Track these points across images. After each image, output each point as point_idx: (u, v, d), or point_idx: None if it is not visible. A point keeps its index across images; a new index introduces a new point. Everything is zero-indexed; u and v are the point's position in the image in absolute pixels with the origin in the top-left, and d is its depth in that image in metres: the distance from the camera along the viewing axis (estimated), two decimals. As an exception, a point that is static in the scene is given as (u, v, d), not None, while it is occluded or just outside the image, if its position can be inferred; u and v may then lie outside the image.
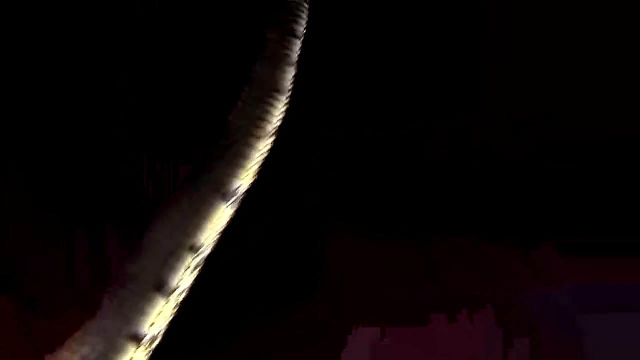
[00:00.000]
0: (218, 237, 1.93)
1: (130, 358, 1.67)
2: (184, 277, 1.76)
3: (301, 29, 2.18)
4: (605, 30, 2.60)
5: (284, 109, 2.05)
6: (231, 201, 1.86)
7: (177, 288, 1.75)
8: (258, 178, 2.03)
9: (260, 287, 2.40)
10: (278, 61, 2.10)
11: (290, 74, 2.10)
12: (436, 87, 2.65)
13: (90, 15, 2.49)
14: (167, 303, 1.71)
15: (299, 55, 2.18)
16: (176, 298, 1.75)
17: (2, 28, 2.45)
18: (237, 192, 1.89)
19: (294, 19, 2.18)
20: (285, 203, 2.51)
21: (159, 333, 1.73)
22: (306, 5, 2.22)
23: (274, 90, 2.04)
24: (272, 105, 2.01)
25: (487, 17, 2.67)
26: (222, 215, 1.85)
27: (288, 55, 2.12)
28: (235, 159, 1.91)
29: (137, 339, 1.67)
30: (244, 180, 1.91)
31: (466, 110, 2.64)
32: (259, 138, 1.95)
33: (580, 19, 2.61)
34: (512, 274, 2.46)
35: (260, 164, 1.98)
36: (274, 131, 2.01)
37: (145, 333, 1.66)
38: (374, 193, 2.56)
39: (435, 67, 2.66)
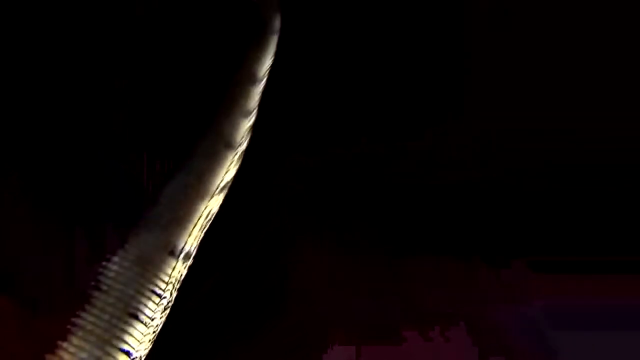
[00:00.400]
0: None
1: None
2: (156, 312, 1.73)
3: (264, 69, 2.08)
4: (588, 49, 2.60)
5: (235, 164, 1.95)
6: (181, 257, 1.78)
7: (154, 319, 1.72)
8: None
9: (227, 312, 2.40)
10: (232, 111, 1.98)
11: (245, 125, 1.99)
12: (407, 104, 2.64)
13: (90, 15, 2.49)
14: (147, 329, 1.69)
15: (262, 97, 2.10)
16: (154, 328, 1.73)
17: (2, 28, 2.45)
18: (184, 249, 1.79)
19: (257, 60, 2.09)
20: (253, 227, 2.51)
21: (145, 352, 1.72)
22: (274, 43, 2.14)
23: (225, 144, 1.93)
24: (219, 161, 1.90)
25: (465, 34, 2.66)
26: (175, 270, 1.76)
27: (244, 105, 2.01)
28: (178, 218, 1.80)
29: (127, 353, 1.66)
30: (190, 239, 1.81)
31: (435, 128, 2.63)
32: (202, 197, 1.85)
33: (563, 36, 2.61)
34: (484, 291, 2.47)
35: (209, 220, 1.88)
36: (220, 188, 1.91)
37: (132, 351, 1.66)
38: (341, 212, 2.56)
39: (408, 82, 2.66)
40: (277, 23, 2.13)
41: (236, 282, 2.45)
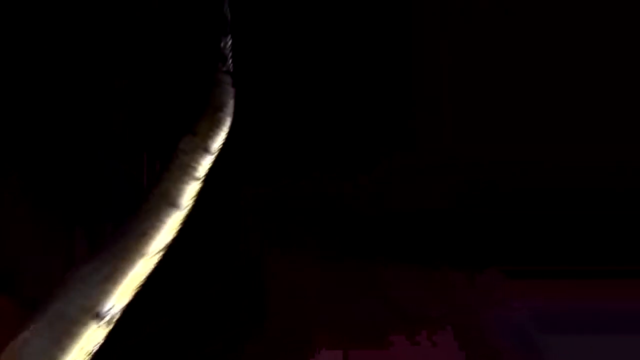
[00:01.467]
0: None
1: None
2: None
3: (217, 145, 2.06)
4: (536, 78, 2.61)
5: (176, 226, 1.88)
6: (104, 320, 1.69)
7: None
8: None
9: (214, 321, 2.41)
10: (181, 175, 1.93)
11: (193, 189, 1.93)
12: (356, 140, 2.66)
13: (90, 15, 2.49)
14: None
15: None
16: None
17: (2, 28, 2.45)
18: (110, 311, 1.71)
19: (210, 135, 2.06)
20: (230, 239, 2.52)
21: None
22: (229, 121, 2.12)
23: (169, 204, 1.87)
24: (161, 221, 1.83)
25: (413, 63, 2.67)
26: (94, 335, 1.67)
27: (193, 172, 1.96)
28: (107, 279, 1.72)
29: None
30: (119, 301, 1.73)
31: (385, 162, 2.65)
32: (138, 258, 1.77)
33: (513, 64, 2.62)
34: (469, 296, 2.48)
35: (143, 281, 1.79)
36: (159, 250, 1.84)
37: None
38: (310, 227, 2.57)
39: (356, 120, 2.67)
40: (231, 106, 2.12)
41: (221, 291, 2.45)
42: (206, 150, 2.02)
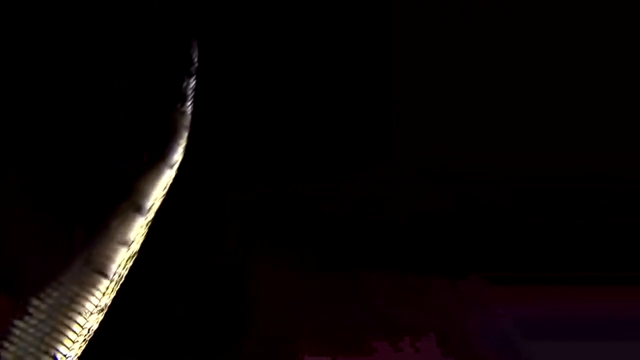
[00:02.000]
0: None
1: None
2: None
3: (152, 202, 1.91)
4: (521, 85, 2.60)
5: (108, 297, 1.79)
6: None
7: None
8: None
9: (197, 330, 2.43)
10: (113, 243, 1.82)
11: (122, 255, 1.82)
12: (337, 148, 2.65)
13: (90, 15, 2.49)
14: None
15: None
16: None
17: (2, 28, 2.45)
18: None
19: (146, 192, 1.92)
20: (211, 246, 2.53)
21: None
22: (168, 176, 2.00)
23: (97, 272, 1.77)
24: (88, 292, 1.74)
25: (393, 71, 2.65)
26: None
27: (123, 235, 1.83)
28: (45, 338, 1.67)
29: None
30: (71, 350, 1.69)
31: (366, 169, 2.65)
32: (68, 327, 1.69)
33: (496, 70, 2.60)
34: (451, 303, 2.49)
35: (90, 335, 1.75)
36: (98, 311, 1.77)
37: None
38: (295, 234, 2.57)
39: (336, 127, 2.66)
40: (175, 157, 2.00)
41: (204, 299, 2.47)
42: (138, 210, 1.88)
